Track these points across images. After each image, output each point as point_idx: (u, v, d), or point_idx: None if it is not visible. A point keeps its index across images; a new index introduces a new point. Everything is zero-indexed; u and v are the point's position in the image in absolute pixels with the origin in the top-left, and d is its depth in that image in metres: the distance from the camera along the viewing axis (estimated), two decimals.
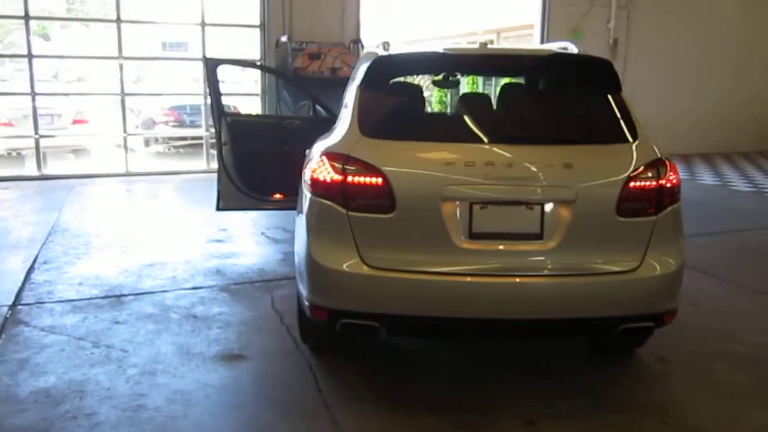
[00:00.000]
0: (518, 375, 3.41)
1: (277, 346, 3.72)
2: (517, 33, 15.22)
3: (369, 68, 3.04)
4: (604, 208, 2.77)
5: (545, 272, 2.77)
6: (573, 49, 3.38)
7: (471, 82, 13.56)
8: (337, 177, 2.83)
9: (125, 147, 9.77)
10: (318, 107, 5.70)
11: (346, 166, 2.82)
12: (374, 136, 2.87)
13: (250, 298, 4.51)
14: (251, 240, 6.14)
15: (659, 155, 2.91)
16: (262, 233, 6.32)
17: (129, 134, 10.00)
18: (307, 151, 3.90)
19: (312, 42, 10.34)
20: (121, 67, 9.42)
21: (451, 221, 2.75)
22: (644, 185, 2.81)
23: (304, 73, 10.02)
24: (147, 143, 11.32)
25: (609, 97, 3.03)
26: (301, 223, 3.10)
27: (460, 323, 2.82)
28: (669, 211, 2.87)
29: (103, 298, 4.45)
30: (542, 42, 12.49)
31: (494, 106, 3.12)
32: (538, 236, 2.78)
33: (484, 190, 2.74)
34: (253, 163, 5.47)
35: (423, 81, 10.85)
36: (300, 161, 5.42)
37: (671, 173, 2.89)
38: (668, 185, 2.86)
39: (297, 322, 3.59)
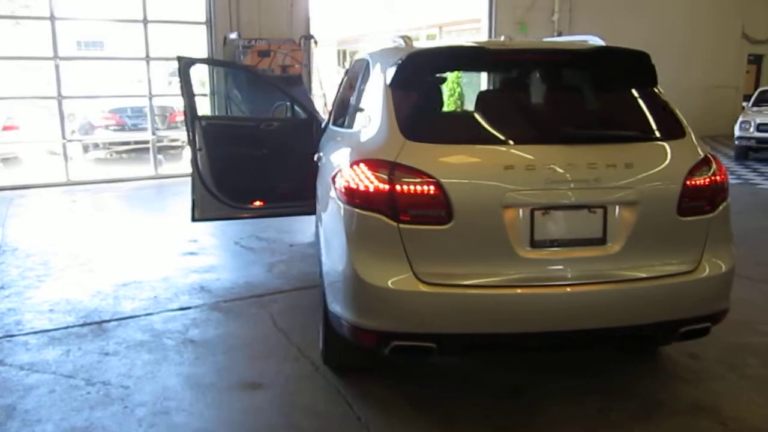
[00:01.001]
0: (559, 382, 3.24)
1: (294, 369, 3.41)
2: (460, 27, 15.23)
3: (402, 65, 2.78)
4: (665, 208, 2.64)
5: (610, 278, 2.61)
6: (599, 42, 3.24)
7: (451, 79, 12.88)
8: (384, 186, 2.56)
9: (65, 154, 9.04)
10: (296, 108, 5.36)
11: (394, 174, 2.56)
12: (420, 140, 2.62)
13: (247, 317, 4.16)
14: (227, 251, 5.74)
15: (706, 151, 2.82)
16: (237, 243, 5.93)
17: (69, 140, 9.26)
18: (320, 156, 3.61)
19: (261, 39, 9.92)
20: (57, 67, 8.69)
21: (512, 230, 2.55)
22: (701, 182, 2.70)
23: (249, 73, 9.61)
24: (86, 149, 10.54)
25: (653, 91, 2.91)
26: (333, 236, 2.81)
27: (523, 338, 2.62)
28: (722, 208, 2.78)
29: (82, 325, 3.98)
30: (490, 36, 12.52)
31: (538, 103, 2.93)
32: (601, 241, 2.61)
33: (547, 195, 2.55)
34: (231, 169, 5.09)
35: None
36: (281, 165, 5.15)
37: (721, 168, 2.80)
38: (720, 181, 2.77)
39: (321, 341, 3.29)
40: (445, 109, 2.79)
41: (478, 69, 2.87)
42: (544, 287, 2.57)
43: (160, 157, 9.85)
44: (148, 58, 9.30)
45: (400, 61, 2.82)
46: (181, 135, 11.55)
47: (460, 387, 3.21)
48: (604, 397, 3.08)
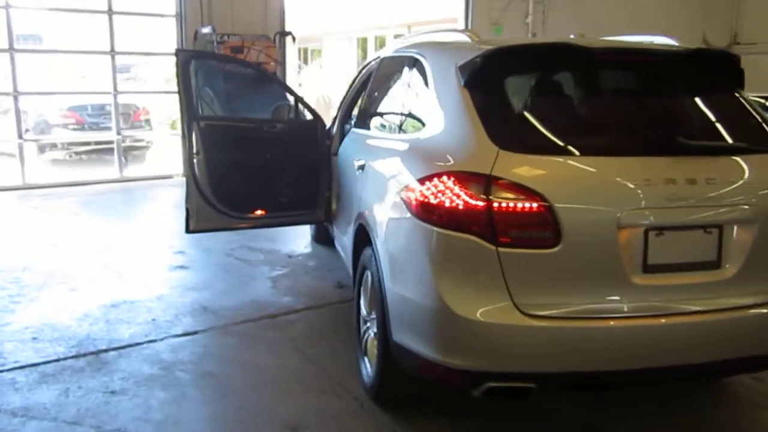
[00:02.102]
0: (636, 414, 2.94)
1: (337, 407, 3.00)
2: (431, 28, 14.95)
3: (483, 63, 2.43)
4: None
5: (726, 306, 2.32)
6: (669, 41, 2.97)
7: None
8: (478, 204, 2.20)
9: (21, 155, 8.26)
10: (300, 107, 4.92)
11: (491, 190, 2.20)
12: (517, 150, 2.27)
13: (265, 342, 3.71)
14: (219, 264, 5.23)
15: None
16: (229, 254, 5.44)
17: (25, 140, 8.48)
18: (361, 164, 3.21)
19: (234, 34, 9.36)
20: (12, 60, 7.92)
21: (626, 253, 2.23)
22: None
23: (226, 69, 9.05)
24: (42, 150, 9.72)
25: (745, 97, 2.65)
26: (405, 259, 2.43)
27: (632, 375, 2.31)
28: None
29: (76, 357, 3.46)
30: None
31: (641, 109, 2.61)
32: (715, 264, 2.33)
33: (664, 214, 2.24)
34: (231, 176, 4.61)
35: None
36: (284, 171, 4.72)
37: None
38: None
39: (371, 374, 2.91)
40: (534, 114, 2.42)
41: (572, 69, 2.52)
42: (659, 317, 2.26)
43: (124, 159, 9.17)
44: (113, 52, 8.63)
45: (478, 59, 2.46)
46: (146, 135, 10.89)
47: (529, 423, 2.88)
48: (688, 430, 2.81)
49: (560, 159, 2.29)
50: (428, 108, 2.71)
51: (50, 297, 4.36)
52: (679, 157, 2.32)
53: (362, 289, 3.19)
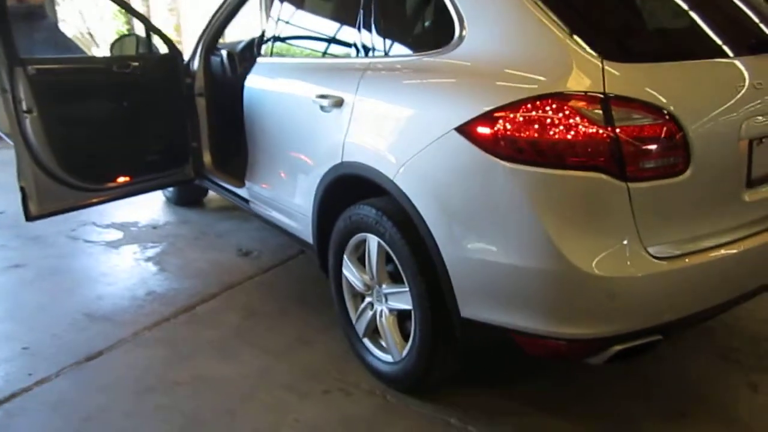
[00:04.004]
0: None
1: (354, 405, 2.39)
2: None
3: None
4: None
5: None
6: None
7: None
8: (599, 131, 1.72)
9: None
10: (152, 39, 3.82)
11: (611, 112, 1.73)
12: (623, 59, 1.80)
13: (201, 345, 2.87)
14: (68, 252, 4.00)
15: None
16: (74, 238, 4.21)
17: None
18: (322, 98, 2.48)
19: None
20: None
21: (741, 168, 1.95)
22: None
23: None
24: None
25: None
26: (492, 215, 1.86)
27: (741, 298, 2.08)
28: None
29: None
30: None
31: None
32: None
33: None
34: (80, 137, 3.48)
35: None
36: (148, 122, 3.65)
37: None
38: None
39: (416, 361, 2.31)
40: (627, 10, 1.96)
41: None
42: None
43: None
44: None
45: None
46: None
47: (580, 372, 2.59)
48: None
49: (669, 66, 1.88)
50: (454, 10, 2.08)
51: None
52: None
53: (349, 258, 2.55)
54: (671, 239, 1.85)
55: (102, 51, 11.86)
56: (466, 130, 1.88)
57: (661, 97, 1.77)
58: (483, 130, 1.84)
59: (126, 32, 4.18)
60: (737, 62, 2.00)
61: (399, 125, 2.15)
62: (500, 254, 1.86)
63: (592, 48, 1.79)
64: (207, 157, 4.03)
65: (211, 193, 4.79)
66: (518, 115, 1.79)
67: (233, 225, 4.37)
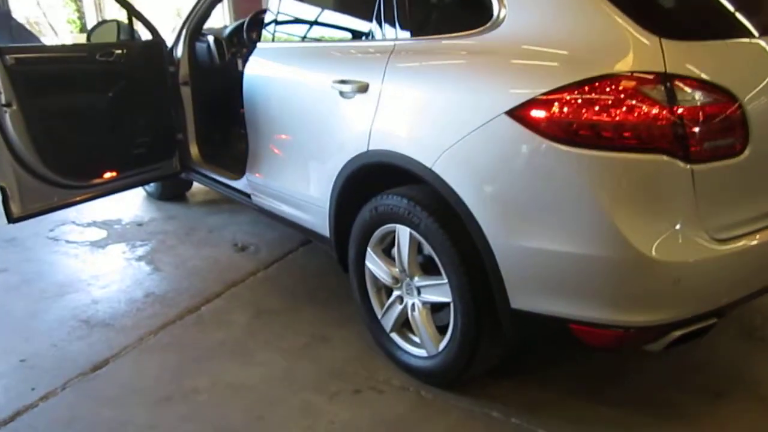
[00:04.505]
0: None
1: (389, 404, 2.30)
2: None
3: None
4: None
5: None
6: None
7: None
8: (664, 112, 1.66)
9: None
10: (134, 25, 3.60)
11: (674, 92, 1.67)
12: (680, 36, 1.74)
13: (213, 347, 2.73)
14: (51, 256, 3.77)
15: None
16: (55, 239, 3.98)
17: None
18: (340, 83, 2.35)
19: None
20: None
21: None
22: None
23: None
24: None
25: None
26: (547, 201, 1.78)
27: None
28: None
29: None
30: None
31: None
32: None
33: None
34: (65, 130, 3.26)
35: None
36: (134, 113, 3.44)
37: None
38: None
39: (456, 355, 2.21)
40: None
41: None
42: None
43: None
44: None
45: None
46: None
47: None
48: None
49: (728, 43, 1.83)
50: None
51: None
52: None
53: (373, 250, 2.44)
54: (730, 221, 1.81)
55: (61, 40, 11.32)
56: (518, 114, 1.79)
57: (720, 76, 1.72)
58: (537, 113, 1.76)
59: (100, 21, 3.92)
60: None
61: (437, 111, 2.05)
62: (559, 242, 1.79)
63: (647, 25, 1.72)
64: (194, 150, 3.86)
65: (196, 187, 4.60)
66: (576, 97, 1.71)
67: (224, 219, 4.20)
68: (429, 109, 2.07)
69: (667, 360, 2.48)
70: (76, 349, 2.72)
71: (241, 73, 3.14)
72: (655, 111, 1.65)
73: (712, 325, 1.87)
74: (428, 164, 2.03)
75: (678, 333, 1.82)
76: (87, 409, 2.34)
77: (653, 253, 1.69)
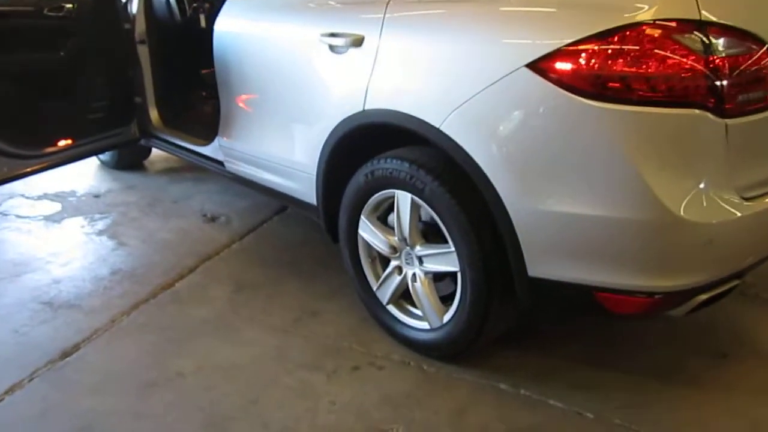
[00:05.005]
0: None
1: (392, 379, 2.18)
2: None
3: None
4: None
5: None
6: None
7: None
8: (698, 63, 1.54)
9: None
10: None
11: (709, 40, 1.55)
12: None
13: (194, 328, 2.54)
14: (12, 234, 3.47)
15: None
16: (4, 214, 3.65)
17: None
18: (332, 37, 2.16)
19: None
20: None
21: None
22: None
23: None
24: None
25: None
26: (571, 161, 1.66)
27: None
28: None
29: None
30: None
31: None
32: None
33: None
34: (12, 95, 2.95)
35: None
36: (88, 74, 3.14)
37: None
38: None
39: (465, 326, 2.09)
40: None
41: None
42: None
43: None
44: None
45: None
46: None
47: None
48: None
49: None
50: None
51: None
52: None
53: (368, 218, 2.29)
54: (758, 178, 1.73)
55: None
56: (540, 66, 1.65)
57: (754, 24, 1.61)
58: (563, 65, 1.62)
59: None
60: None
61: (445, 65, 1.88)
62: (585, 205, 1.67)
63: None
64: (154, 114, 3.57)
65: (155, 154, 4.31)
66: (605, 47, 1.58)
67: (188, 188, 3.94)
68: (436, 63, 1.90)
69: (668, 323, 2.44)
70: (40, 335, 2.48)
71: (210, 29, 2.88)
72: (689, 62, 1.54)
73: (734, 287, 1.81)
74: (436, 124, 1.88)
75: (704, 296, 1.75)
76: (61, 399, 2.13)
77: (686, 213, 1.60)
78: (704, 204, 1.61)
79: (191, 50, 3.58)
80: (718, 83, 1.56)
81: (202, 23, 3.53)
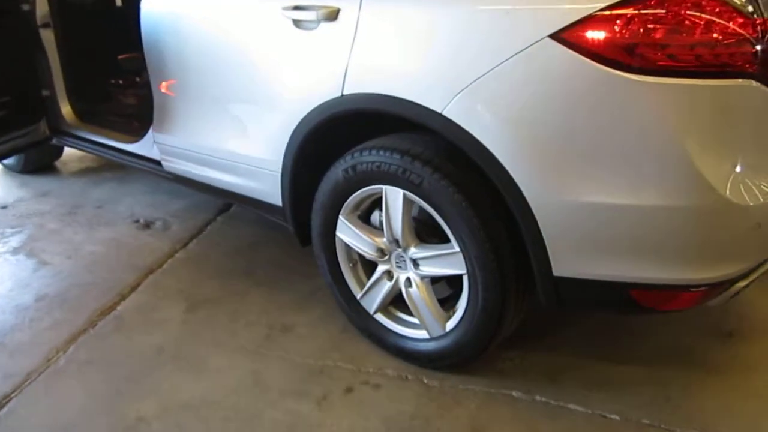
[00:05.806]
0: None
1: (390, 397, 1.93)
2: None
3: None
4: None
5: None
6: None
7: None
8: (749, 28, 1.35)
9: None
10: None
11: (758, 6, 1.37)
12: None
13: (145, 355, 2.18)
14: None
15: None
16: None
17: None
18: (298, 11, 1.84)
19: None
20: None
21: None
22: None
23: None
24: None
25: None
26: (602, 143, 1.45)
27: None
28: None
29: None
30: None
31: None
32: None
33: None
34: None
35: None
36: None
37: None
38: None
39: (472, 336, 1.86)
40: None
41: None
42: None
43: None
44: None
45: None
46: None
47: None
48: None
49: None
50: None
51: None
52: None
53: (347, 219, 2.00)
54: None
55: None
56: (568, 36, 1.41)
57: None
58: (595, 34, 1.39)
59: None
60: None
61: (447, 39, 1.60)
62: (623, 193, 1.47)
63: None
64: (66, 108, 3.11)
65: (68, 153, 3.80)
66: (642, 12, 1.36)
67: (112, 190, 3.48)
68: (435, 37, 1.62)
69: None
70: None
71: (130, 8, 2.47)
72: (739, 26, 1.35)
73: (765, 272, 1.67)
74: (437, 108, 1.61)
75: (742, 284, 1.60)
76: None
77: (737, 197, 1.42)
78: (753, 185, 1.45)
79: (105, 33, 3.12)
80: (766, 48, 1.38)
81: (118, 1, 3.07)
